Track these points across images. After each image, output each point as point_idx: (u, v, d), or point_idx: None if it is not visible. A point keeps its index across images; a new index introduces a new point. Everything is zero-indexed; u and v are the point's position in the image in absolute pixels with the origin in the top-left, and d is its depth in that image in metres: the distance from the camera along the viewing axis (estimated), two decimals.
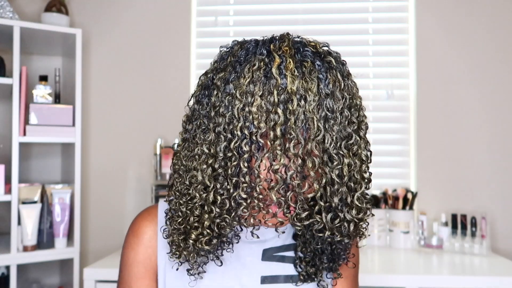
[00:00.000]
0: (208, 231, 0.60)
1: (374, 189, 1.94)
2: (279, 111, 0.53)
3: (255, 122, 0.54)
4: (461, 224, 1.76)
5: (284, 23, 2.06)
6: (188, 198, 0.62)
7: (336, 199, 0.57)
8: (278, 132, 0.54)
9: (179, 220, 0.63)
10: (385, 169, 2.00)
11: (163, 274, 0.71)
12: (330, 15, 2.06)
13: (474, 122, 1.94)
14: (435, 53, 1.97)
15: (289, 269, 0.72)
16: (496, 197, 1.91)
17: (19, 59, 1.63)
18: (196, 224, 0.61)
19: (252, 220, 0.59)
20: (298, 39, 0.61)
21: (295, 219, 0.58)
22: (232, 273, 0.71)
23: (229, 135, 0.56)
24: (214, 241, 0.62)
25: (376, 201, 1.86)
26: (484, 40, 1.95)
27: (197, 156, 0.60)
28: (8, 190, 1.65)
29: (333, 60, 0.58)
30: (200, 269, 0.68)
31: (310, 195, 0.57)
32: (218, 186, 0.58)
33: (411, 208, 1.82)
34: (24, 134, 1.65)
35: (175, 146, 0.70)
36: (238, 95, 0.56)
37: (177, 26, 2.05)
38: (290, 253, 0.73)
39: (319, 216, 0.58)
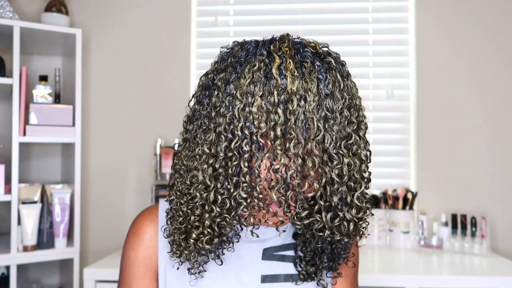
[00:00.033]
0: (208, 230, 0.61)
1: (374, 189, 1.94)
2: (279, 111, 0.54)
3: (256, 122, 0.55)
4: (461, 224, 1.77)
5: (284, 23, 2.07)
6: (189, 197, 0.62)
7: (335, 199, 0.58)
8: (278, 132, 0.54)
9: (180, 220, 0.64)
10: (385, 169, 2.00)
11: (163, 273, 0.71)
12: (330, 15, 2.06)
13: (474, 122, 1.94)
14: (435, 53, 1.97)
15: (289, 268, 0.73)
16: (496, 197, 1.91)
17: (19, 59, 1.63)
18: (197, 224, 0.62)
19: (252, 219, 0.60)
20: (298, 40, 0.61)
21: (295, 218, 0.58)
22: (232, 272, 0.71)
23: (230, 135, 0.57)
24: (215, 240, 0.62)
25: (376, 201, 1.86)
26: (484, 40, 1.95)
27: (198, 156, 0.61)
28: (8, 190, 1.65)
29: (332, 60, 0.58)
30: (201, 268, 0.68)
31: (310, 195, 0.57)
32: (219, 185, 0.58)
33: (411, 208, 1.82)
34: (24, 134, 1.66)
35: (176, 146, 0.70)
36: (238, 96, 0.56)
37: (177, 26, 2.05)
38: (290, 252, 0.74)
39: (319, 215, 0.59)
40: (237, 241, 0.67)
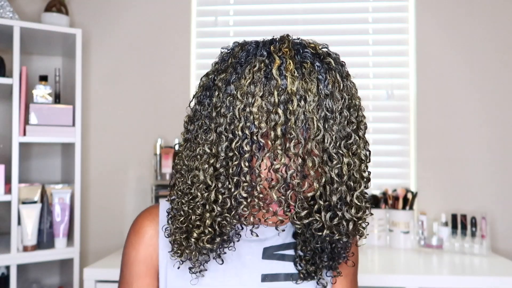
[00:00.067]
0: (209, 229, 0.61)
1: (374, 189, 1.94)
2: (280, 111, 0.55)
3: (256, 122, 0.56)
4: (461, 224, 1.77)
5: (284, 23, 2.07)
6: (190, 197, 0.63)
7: (335, 198, 0.58)
8: (279, 132, 0.55)
9: (181, 219, 0.64)
10: (385, 169, 2.00)
11: (164, 272, 0.72)
12: (330, 15, 2.06)
13: (474, 122, 1.94)
14: (435, 53, 1.97)
15: (289, 267, 0.73)
16: (496, 197, 1.91)
17: (19, 59, 1.63)
18: (198, 223, 0.62)
19: (252, 218, 0.60)
20: (298, 41, 0.62)
21: (294, 217, 0.59)
22: (233, 271, 0.71)
23: (231, 135, 0.58)
24: (217, 239, 0.63)
25: (376, 201, 1.87)
26: (484, 40, 1.95)
27: (199, 156, 0.61)
28: (8, 190, 1.65)
29: (332, 61, 0.59)
30: (202, 267, 0.69)
31: (309, 194, 0.58)
32: (220, 185, 0.59)
33: (411, 208, 1.82)
34: (24, 134, 1.66)
35: (177, 146, 0.70)
36: (239, 96, 0.57)
37: (177, 26, 2.05)
38: (290, 252, 0.74)
39: (318, 215, 0.59)
40: (238, 241, 0.68)
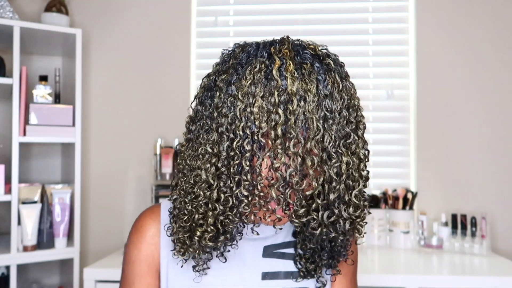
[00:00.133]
0: (212, 228, 0.62)
1: (374, 189, 1.94)
2: (280, 111, 0.56)
3: (257, 122, 0.57)
4: (461, 224, 1.77)
5: (284, 23, 2.07)
6: (193, 196, 0.64)
7: (332, 196, 0.59)
8: (279, 132, 0.56)
9: (184, 218, 0.65)
10: (385, 169, 2.00)
11: (165, 271, 0.72)
12: (330, 15, 2.06)
13: (474, 122, 1.94)
14: (435, 53, 1.97)
15: (289, 265, 0.74)
16: (496, 197, 1.92)
17: (19, 59, 1.64)
18: (201, 222, 0.63)
19: (252, 217, 0.61)
20: (298, 42, 0.63)
21: (293, 216, 0.60)
22: (234, 269, 0.72)
23: (232, 135, 0.58)
24: (221, 238, 0.64)
25: (376, 201, 1.87)
26: (484, 40, 1.95)
27: (201, 156, 0.62)
28: (8, 190, 1.65)
29: (331, 62, 0.60)
30: (205, 265, 0.70)
31: (308, 193, 0.59)
32: (222, 184, 0.60)
33: (411, 208, 1.82)
34: (24, 134, 1.66)
35: (178, 146, 0.71)
36: (240, 96, 0.58)
37: (177, 26, 2.05)
38: (290, 250, 0.75)
39: (315, 213, 0.60)
40: (240, 239, 0.68)
